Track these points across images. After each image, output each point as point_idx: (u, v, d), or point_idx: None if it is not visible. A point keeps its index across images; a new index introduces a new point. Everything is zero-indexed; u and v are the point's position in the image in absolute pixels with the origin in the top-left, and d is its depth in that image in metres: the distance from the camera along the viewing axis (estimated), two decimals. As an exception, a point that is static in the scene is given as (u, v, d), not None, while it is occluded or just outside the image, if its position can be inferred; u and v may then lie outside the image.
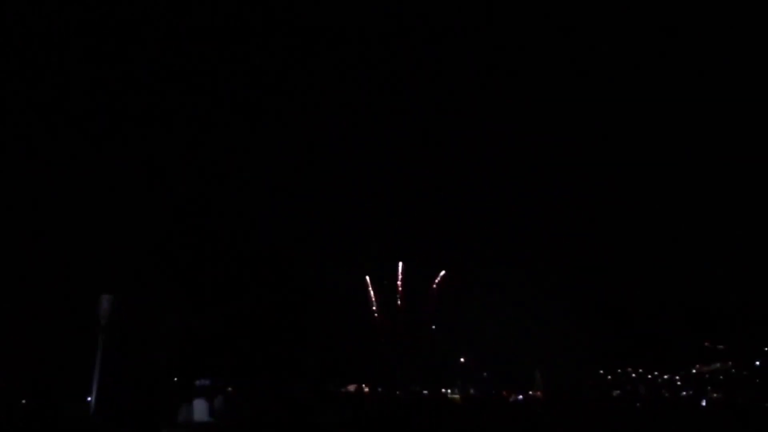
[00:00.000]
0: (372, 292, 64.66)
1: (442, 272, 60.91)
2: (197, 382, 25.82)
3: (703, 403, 24.13)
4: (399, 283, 62.78)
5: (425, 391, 51.67)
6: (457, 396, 50.88)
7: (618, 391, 58.56)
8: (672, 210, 77.97)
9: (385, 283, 62.95)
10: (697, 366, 64.15)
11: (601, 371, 64.15)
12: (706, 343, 62.55)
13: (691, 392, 54.60)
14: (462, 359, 57.58)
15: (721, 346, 63.18)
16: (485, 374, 61.22)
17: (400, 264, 65.40)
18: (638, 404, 25.15)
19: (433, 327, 63.30)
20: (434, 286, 61.41)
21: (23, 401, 18.97)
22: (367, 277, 63.38)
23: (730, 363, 62.84)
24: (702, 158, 77.96)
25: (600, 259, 72.32)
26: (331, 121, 70.60)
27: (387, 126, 72.32)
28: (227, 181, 65.82)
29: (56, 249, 21.00)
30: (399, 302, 63.94)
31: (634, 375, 67.86)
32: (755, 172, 71.27)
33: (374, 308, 65.56)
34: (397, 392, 47.72)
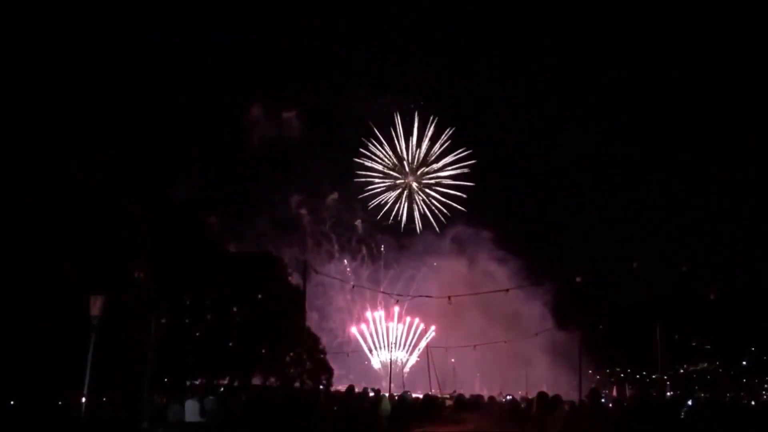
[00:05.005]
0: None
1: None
2: (188, 383, 25.81)
3: (690, 403, 24.37)
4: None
5: (420, 395, 51.75)
6: (447, 396, 51.04)
7: (606, 391, 58.88)
8: (662, 206, 78.64)
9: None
10: (685, 366, 64.89)
11: (590, 371, 64.50)
12: (693, 343, 63.26)
13: (678, 392, 55.08)
14: (452, 359, 57.86)
15: (708, 346, 63.95)
16: (478, 374, 61.62)
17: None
18: (625, 404, 25.44)
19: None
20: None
21: (12, 402, 18.90)
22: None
23: (717, 362, 63.63)
24: (691, 153, 78.69)
25: (585, 254, 72.92)
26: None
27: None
28: (219, 180, 65.93)
29: (45, 249, 20.92)
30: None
31: (622, 375, 68.49)
32: (745, 168, 72.10)
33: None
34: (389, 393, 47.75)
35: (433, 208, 73.65)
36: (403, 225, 73.60)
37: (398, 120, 74.20)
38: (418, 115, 73.84)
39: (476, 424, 13.47)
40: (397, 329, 66.63)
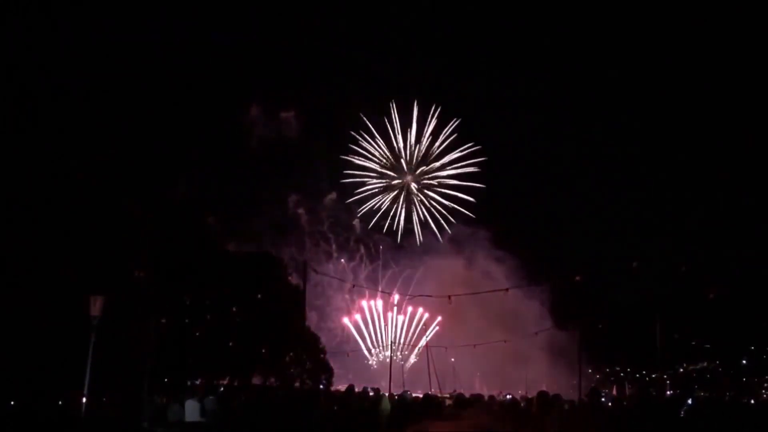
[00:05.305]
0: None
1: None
2: (188, 383, 25.83)
3: (690, 402, 24.42)
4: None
5: (420, 395, 51.82)
6: (447, 395, 51.08)
7: (605, 390, 58.96)
8: (662, 206, 78.64)
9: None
10: (684, 365, 64.88)
11: (590, 370, 64.63)
12: (693, 342, 63.24)
13: (678, 391, 55.13)
14: (452, 359, 57.87)
15: (707, 345, 63.97)
16: (478, 374, 61.66)
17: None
18: (625, 402, 25.51)
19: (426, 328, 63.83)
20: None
21: (12, 402, 18.91)
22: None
23: (717, 362, 63.66)
24: (691, 152, 78.60)
25: (584, 254, 72.90)
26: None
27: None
28: (218, 180, 66.01)
29: (45, 249, 20.93)
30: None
31: (622, 374, 68.48)
32: (745, 168, 72.03)
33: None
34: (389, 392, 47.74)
35: (434, 212, 69.82)
36: (400, 233, 70.27)
37: (395, 113, 69.66)
38: (418, 105, 69.57)
39: (474, 420, 13.51)
40: (397, 320, 65.49)
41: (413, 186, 70.94)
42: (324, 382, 38.57)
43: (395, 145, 70.52)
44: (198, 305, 28.36)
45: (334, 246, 69.80)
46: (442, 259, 68.36)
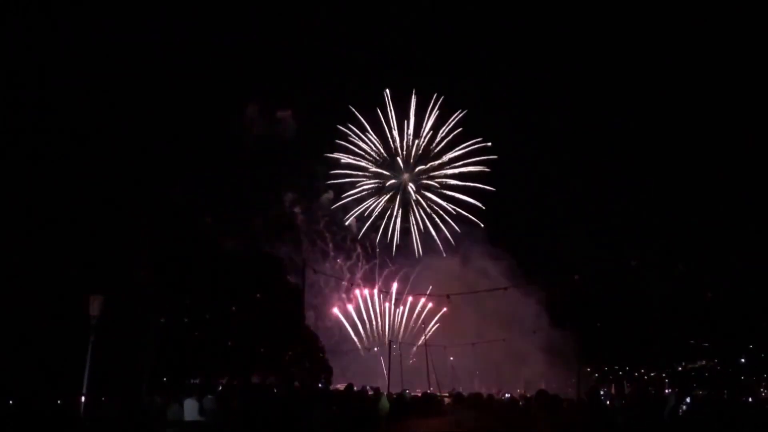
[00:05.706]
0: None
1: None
2: (188, 381, 25.91)
3: (688, 400, 24.47)
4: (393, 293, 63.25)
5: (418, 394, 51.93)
6: (446, 394, 51.11)
7: (605, 389, 59.07)
8: (662, 206, 78.65)
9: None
10: (683, 363, 64.95)
11: (588, 369, 64.71)
12: (691, 341, 63.28)
13: (676, 389, 55.22)
14: (451, 358, 57.89)
15: (706, 344, 64.00)
16: (477, 372, 61.63)
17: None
18: (623, 401, 25.56)
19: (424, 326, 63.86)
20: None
21: (11, 402, 18.94)
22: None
23: (715, 360, 63.72)
24: (691, 152, 78.62)
25: (583, 252, 72.86)
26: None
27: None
28: (216, 180, 65.95)
29: (45, 249, 20.98)
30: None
31: (621, 373, 68.52)
32: (744, 168, 72.05)
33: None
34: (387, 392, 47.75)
35: (435, 216, 66.03)
36: (396, 241, 66.92)
37: (390, 106, 64.96)
38: (416, 96, 65.05)
39: (471, 419, 13.58)
40: (395, 312, 64.46)
41: (410, 186, 68.05)
42: (323, 381, 38.66)
43: (391, 144, 67.29)
44: (198, 305, 28.41)
45: (330, 245, 68.70)
46: (438, 257, 67.28)
